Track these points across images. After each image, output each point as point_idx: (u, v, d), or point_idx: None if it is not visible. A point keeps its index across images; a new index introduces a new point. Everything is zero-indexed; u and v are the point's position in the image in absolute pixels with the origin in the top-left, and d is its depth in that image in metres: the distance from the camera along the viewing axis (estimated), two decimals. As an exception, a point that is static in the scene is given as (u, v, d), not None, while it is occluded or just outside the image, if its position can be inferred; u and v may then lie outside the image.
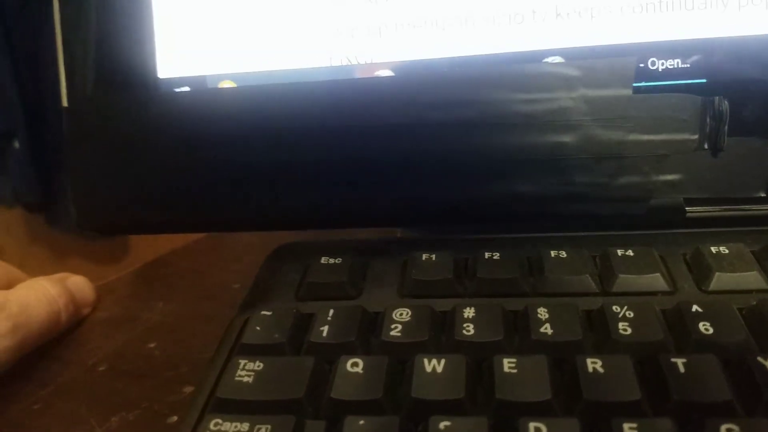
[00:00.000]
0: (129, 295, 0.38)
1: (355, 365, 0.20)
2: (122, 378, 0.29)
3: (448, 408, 0.18)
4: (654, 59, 0.24)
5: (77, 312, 0.33)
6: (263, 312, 0.23)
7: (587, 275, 0.23)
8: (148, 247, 0.43)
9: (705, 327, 0.20)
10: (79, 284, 0.34)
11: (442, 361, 0.19)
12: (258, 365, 0.20)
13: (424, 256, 0.25)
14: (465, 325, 0.21)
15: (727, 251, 0.23)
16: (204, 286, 0.38)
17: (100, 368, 0.30)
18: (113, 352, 0.32)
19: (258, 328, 0.22)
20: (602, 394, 0.18)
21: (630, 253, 0.24)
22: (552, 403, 0.18)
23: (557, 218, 0.25)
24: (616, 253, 0.24)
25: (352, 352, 0.21)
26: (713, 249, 0.23)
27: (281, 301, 0.24)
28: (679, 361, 0.19)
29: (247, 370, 0.20)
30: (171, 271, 0.41)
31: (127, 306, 0.37)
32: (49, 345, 0.33)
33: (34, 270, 0.37)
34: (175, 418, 0.26)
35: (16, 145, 0.38)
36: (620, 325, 0.20)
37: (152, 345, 0.32)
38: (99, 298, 0.35)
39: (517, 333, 0.21)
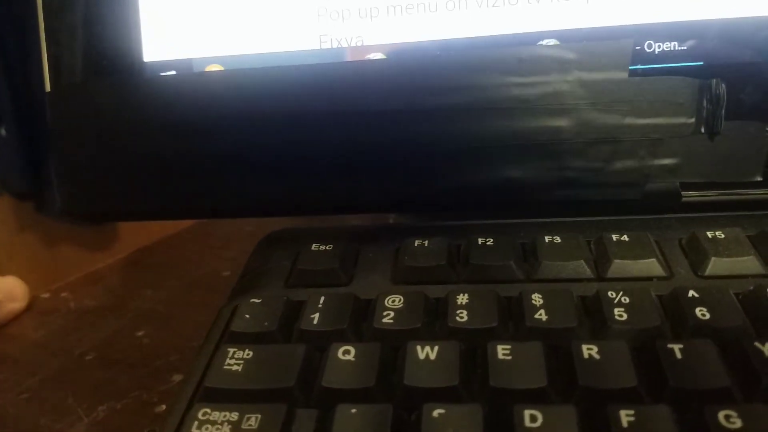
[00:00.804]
0: (118, 283, 0.38)
1: (346, 353, 0.19)
2: (111, 367, 0.29)
3: (441, 395, 0.18)
4: (650, 42, 0.24)
5: (2, 308, 0.33)
6: (253, 300, 0.22)
7: (582, 261, 0.22)
8: (138, 234, 0.43)
9: (702, 312, 0.20)
10: (3, 282, 0.34)
11: (436, 348, 0.19)
12: (247, 353, 0.20)
13: (417, 243, 0.24)
14: (458, 311, 0.20)
15: (723, 236, 0.23)
16: (194, 274, 0.38)
17: (88, 357, 0.30)
18: (102, 341, 0.31)
19: (247, 315, 0.22)
20: (598, 380, 0.18)
21: (625, 238, 0.23)
22: (547, 390, 0.18)
23: (552, 203, 0.24)
24: (611, 238, 0.23)
25: (344, 340, 0.20)
26: (709, 234, 0.23)
27: (271, 288, 0.24)
28: (676, 347, 0.18)
29: (236, 359, 0.20)
30: (160, 258, 0.41)
31: (116, 294, 0.36)
32: (37, 333, 0.33)
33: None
34: (164, 407, 0.26)
35: (3, 132, 0.37)
36: (616, 311, 0.20)
37: (141, 333, 0.32)
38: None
39: (512, 319, 0.21)
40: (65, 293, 0.37)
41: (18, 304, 0.34)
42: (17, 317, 0.34)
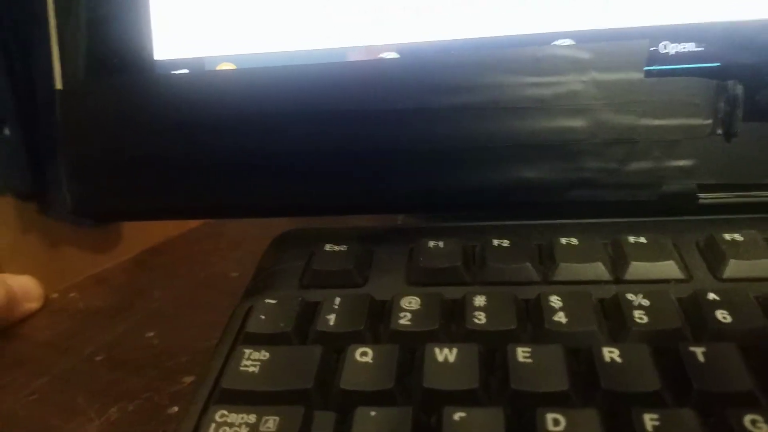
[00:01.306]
0: (125, 284, 0.38)
1: (364, 354, 0.19)
2: (121, 368, 0.29)
3: (461, 398, 0.18)
4: (666, 42, 0.23)
5: (19, 307, 0.33)
6: (267, 300, 0.22)
7: (599, 263, 0.22)
8: (143, 235, 0.42)
9: (723, 315, 0.19)
10: (21, 281, 0.34)
11: (454, 350, 0.19)
12: (264, 355, 0.20)
13: (431, 244, 0.24)
14: (476, 313, 0.20)
15: (741, 238, 0.23)
16: (202, 275, 0.38)
17: (98, 358, 0.30)
18: (111, 342, 0.31)
19: (262, 316, 0.22)
20: (621, 384, 0.17)
21: (642, 240, 0.23)
22: (569, 393, 0.17)
23: (567, 204, 0.24)
24: (628, 240, 0.23)
25: (361, 341, 0.20)
26: (727, 236, 0.23)
27: (285, 289, 0.24)
28: (698, 350, 0.18)
29: (252, 360, 0.19)
30: (168, 259, 0.41)
31: (124, 295, 0.36)
32: (46, 334, 0.33)
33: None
34: (176, 408, 0.26)
35: (7, 132, 0.37)
36: (636, 313, 0.20)
37: (151, 334, 0.31)
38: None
39: (530, 322, 0.20)
40: (74, 293, 0.37)
41: (34, 304, 0.34)
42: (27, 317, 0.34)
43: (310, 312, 0.22)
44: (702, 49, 0.23)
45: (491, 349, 0.19)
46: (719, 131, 0.23)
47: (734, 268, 0.22)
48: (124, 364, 0.29)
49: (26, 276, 0.35)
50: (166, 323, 0.32)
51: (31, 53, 0.35)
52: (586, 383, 0.18)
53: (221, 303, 0.34)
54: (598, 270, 0.22)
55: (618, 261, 0.23)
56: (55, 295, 0.36)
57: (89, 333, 0.32)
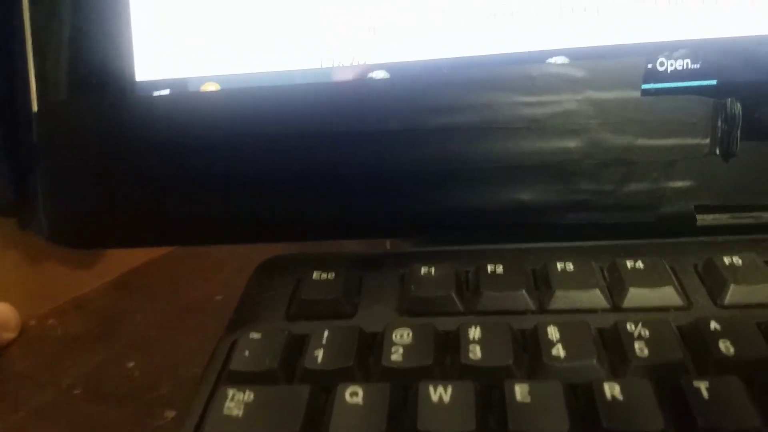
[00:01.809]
0: (106, 308, 0.37)
1: (354, 395, 0.18)
2: (100, 401, 0.28)
3: (458, 442, 0.17)
4: (663, 59, 0.23)
5: None
6: (252, 334, 0.21)
7: (597, 290, 0.22)
8: (126, 255, 0.41)
9: (725, 346, 0.19)
10: (1, 309, 0.33)
11: (449, 389, 0.18)
12: (248, 396, 0.19)
13: (423, 270, 0.23)
14: (471, 347, 0.19)
15: (740, 262, 0.22)
16: (185, 298, 0.37)
17: (76, 391, 0.29)
18: (90, 372, 0.30)
19: (246, 352, 0.20)
20: (623, 422, 0.17)
21: (640, 264, 0.22)
22: (570, 434, 0.17)
23: (562, 227, 0.23)
24: (626, 264, 0.22)
25: (351, 379, 0.19)
26: (726, 260, 0.22)
27: (271, 320, 0.23)
28: (702, 385, 0.17)
29: (236, 401, 0.18)
30: (150, 281, 0.40)
31: (105, 320, 0.35)
32: (22, 364, 0.31)
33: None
34: (158, 446, 0.24)
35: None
36: (636, 345, 0.19)
37: (131, 364, 0.30)
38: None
39: (527, 354, 0.20)
40: (52, 320, 0.35)
41: (11, 334, 0.33)
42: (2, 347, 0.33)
43: (297, 346, 0.21)
44: (698, 66, 0.23)
45: (488, 386, 0.18)
46: (717, 151, 0.23)
47: (735, 294, 0.21)
48: (104, 397, 0.28)
49: (3, 303, 0.33)
50: (147, 351, 0.31)
51: (12, 64, 0.34)
52: (586, 422, 0.17)
53: (205, 328, 0.33)
54: (596, 297, 0.21)
55: (615, 287, 0.22)
56: (32, 322, 0.35)
57: (67, 363, 0.31)
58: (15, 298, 0.34)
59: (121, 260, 0.41)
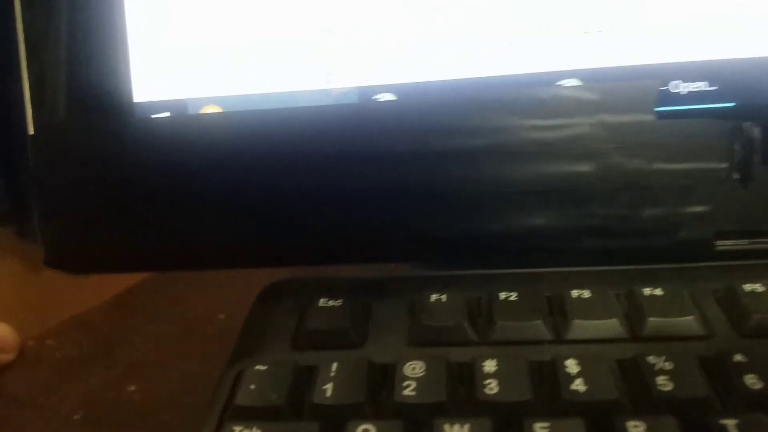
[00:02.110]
0: (105, 328, 0.36)
1: (366, 433, 0.17)
2: (99, 428, 0.27)
3: (477, 485, 0.16)
4: (678, 82, 0.22)
5: None
6: (257, 367, 0.20)
7: (615, 319, 0.21)
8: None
9: (752, 381, 0.18)
10: None
11: (466, 427, 0.17)
12: (255, 434, 0.18)
13: (433, 297, 0.22)
14: (487, 381, 0.19)
15: (762, 289, 0.21)
16: (187, 317, 0.36)
17: (76, 416, 0.28)
18: (89, 397, 0.29)
19: (252, 386, 0.20)
20: (649, 464, 0.16)
21: (658, 292, 0.22)
22: (594, 477, 0.16)
23: (576, 253, 0.23)
24: (643, 292, 0.22)
25: (361, 415, 0.18)
26: (747, 287, 0.21)
27: (276, 350, 0.22)
28: (730, 423, 0.17)
29: (243, 441, 0.18)
30: (150, 300, 0.39)
31: (104, 341, 0.34)
32: (19, 388, 0.30)
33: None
34: (158, 478, 0.24)
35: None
36: (659, 379, 0.18)
37: (132, 388, 0.29)
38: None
39: (545, 389, 0.19)
40: (50, 340, 0.34)
41: (9, 356, 0.32)
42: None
43: (305, 379, 0.20)
44: (716, 88, 0.22)
45: (506, 424, 0.18)
46: (735, 175, 0.22)
47: (759, 323, 0.20)
48: (104, 423, 0.27)
49: (2, 324, 0.33)
50: (148, 374, 0.30)
51: (6, 71, 0.33)
52: (610, 463, 0.17)
53: (207, 351, 0.32)
54: (614, 327, 0.21)
55: (634, 316, 0.21)
56: (31, 343, 0.34)
57: (66, 387, 0.30)
58: (13, 317, 0.33)
59: (120, 278, 0.40)
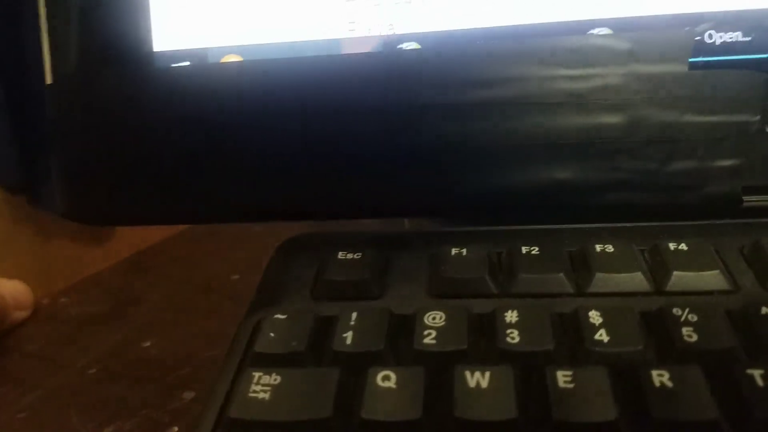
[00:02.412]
0: (120, 288, 0.36)
1: (386, 379, 0.17)
2: (116, 382, 0.27)
3: (499, 430, 0.16)
4: (712, 32, 0.22)
5: (9, 316, 0.31)
6: (277, 315, 0.20)
7: (639, 272, 0.20)
8: (140, 233, 0.40)
9: (780, 332, 0.18)
10: (12, 287, 0.32)
11: (487, 374, 0.17)
12: (275, 378, 0.18)
13: (454, 251, 0.22)
14: (508, 331, 0.18)
15: (790, 244, 0.21)
16: (201, 277, 0.36)
17: (91, 371, 0.28)
18: (105, 353, 0.29)
19: (272, 334, 0.20)
20: (674, 411, 0.16)
21: (683, 247, 0.21)
22: (618, 423, 0.16)
23: (602, 208, 0.22)
24: (668, 247, 0.21)
25: (382, 363, 0.18)
26: (775, 242, 0.21)
27: (296, 301, 0.22)
28: (757, 373, 0.16)
29: (262, 385, 0.18)
30: (165, 260, 0.39)
31: (119, 299, 0.34)
32: (35, 344, 0.31)
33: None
34: (176, 428, 0.24)
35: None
36: (684, 330, 0.18)
37: (147, 344, 0.29)
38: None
39: (568, 340, 0.19)
40: (65, 299, 0.35)
41: (24, 313, 0.32)
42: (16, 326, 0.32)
43: (324, 328, 0.20)
44: (750, 39, 0.21)
45: (527, 372, 0.17)
46: (767, 128, 0.21)
47: (786, 277, 0.20)
48: (120, 377, 0.27)
49: (16, 281, 0.33)
50: (163, 331, 0.31)
51: (21, 41, 0.33)
52: (634, 410, 0.16)
53: (222, 309, 0.33)
54: (638, 280, 0.20)
55: (658, 270, 0.21)
56: (45, 301, 0.34)
57: (82, 343, 0.30)
58: (28, 276, 0.33)
59: (134, 239, 0.40)
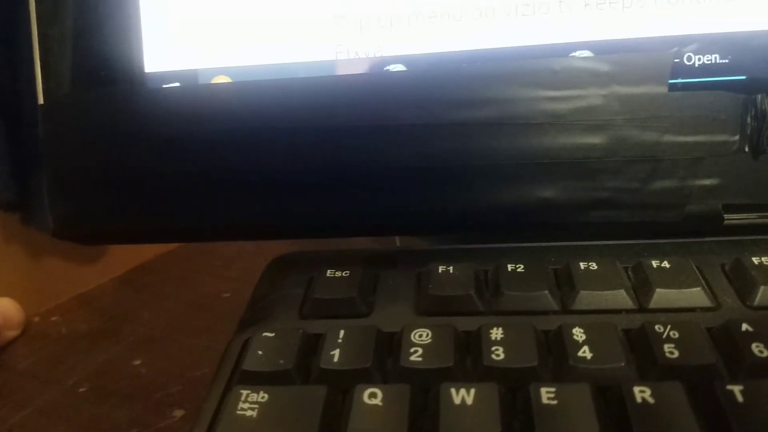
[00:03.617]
0: (111, 306, 0.36)
1: (373, 396, 0.17)
2: (106, 400, 0.27)
3: (482, 447, 0.16)
4: (690, 54, 0.22)
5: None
6: (265, 333, 0.20)
7: (622, 290, 0.21)
8: (132, 251, 0.41)
9: (759, 349, 0.18)
10: (2, 305, 0.32)
11: (472, 391, 0.17)
12: (262, 396, 0.18)
13: (441, 269, 0.23)
14: (494, 348, 0.19)
15: (770, 262, 0.21)
16: (193, 295, 0.36)
17: (81, 389, 0.28)
18: (95, 370, 0.29)
19: (260, 351, 0.20)
20: (655, 427, 0.16)
21: (666, 264, 0.22)
22: (600, 440, 0.16)
23: (585, 226, 0.23)
24: (651, 264, 0.22)
25: (368, 380, 0.18)
26: (755, 260, 0.21)
27: (284, 319, 0.22)
28: (736, 389, 0.17)
29: (250, 402, 0.18)
30: (157, 278, 0.39)
31: (110, 318, 0.34)
32: (25, 362, 0.31)
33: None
34: (166, 447, 0.24)
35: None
36: (666, 347, 0.18)
37: (138, 362, 0.29)
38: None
39: (552, 357, 0.19)
40: (56, 317, 0.35)
41: (15, 332, 0.32)
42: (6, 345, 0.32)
43: (312, 346, 0.20)
44: (728, 61, 0.22)
45: (512, 388, 0.18)
46: (746, 148, 0.22)
47: (765, 295, 0.20)
48: (110, 395, 0.27)
49: (7, 299, 0.33)
50: (154, 349, 0.31)
51: (16, 58, 0.33)
52: (617, 427, 0.16)
53: (213, 327, 0.33)
54: (621, 298, 0.21)
55: (641, 288, 0.21)
56: (36, 319, 0.34)
57: (72, 361, 0.30)
58: (19, 294, 0.33)
59: (126, 257, 0.40)
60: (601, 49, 0.22)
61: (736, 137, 0.22)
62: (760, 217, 0.23)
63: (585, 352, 0.18)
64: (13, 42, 0.33)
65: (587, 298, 0.21)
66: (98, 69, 0.25)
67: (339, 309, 0.22)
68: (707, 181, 0.22)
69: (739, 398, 0.16)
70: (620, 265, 0.22)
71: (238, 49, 0.25)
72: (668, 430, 0.16)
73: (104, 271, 0.39)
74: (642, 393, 0.17)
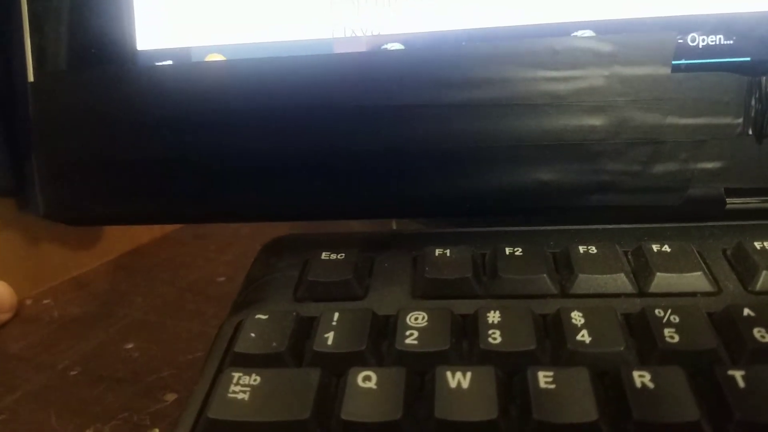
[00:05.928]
0: (104, 289, 0.36)
1: (367, 379, 0.17)
2: (97, 384, 0.27)
3: (479, 430, 0.16)
4: (694, 35, 0.22)
5: None
6: (258, 315, 0.20)
7: (622, 274, 0.20)
8: (126, 235, 0.40)
9: (761, 334, 0.18)
10: None
11: (468, 375, 0.17)
12: (254, 379, 0.18)
13: (438, 252, 0.22)
14: (491, 331, 0.18)
15: (773, 247, 0.21)
16: (186, 279, 0.36)
17: (73, 372, 0.28)
18: (87, 354, 0.29)
19: (253, 334, 0.19)
20: (655, 413, 0.16)
21: (666, 248, 0.21)
22: (599, 424, 0.16)
23: (586, 209, 0.22)
24: (652, 248, 0.21)
25: (363, 363, 0.18)
26: (757, 244, 0.21)
27: (278, 302, 0.21)
28: (738, 374, 0.16)
29: (241, 385, 0.17)
30: (150, 262, 0.39)
31: (103, 301, 0.34)
32: (16, 345, 0.30)
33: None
34: (157, 430, 0.23)
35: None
36: (666, 331, 0.18)
37: (130, 346, 0.29)
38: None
39: (550, 341, 0.19)
40: (48, 300, 0.34)
41: (6, 315, 0.32)
42: (-4, 327, 0.31)
43: (306, 329, 0.20)
44: (732, 42, 0.21)
45: (509, 372, 0.17)
46: (750, 131, 0.22)
47: (767, 280, 0.20)
48: (102, 379, 0.27)
49: (0, 282, 0.32)
50: (147, 333, 0.30)
51: (8, 43, 0.33)
52: (615, 412, 0.16)
53: (207, 311, 0.32)
54: (621, 282, 0.20)
55: (641, 272, 0.21)
56: (28, 302, 0.34)
57: (64, 345, 0.30)
58: (11, 278, 0.33)
59: (120, 240, 0.40)
60: (603, 29, 0.22)
61: (740, 120, 0.21)
62: (763, 202, 0.22)
63: (584, 336, 0.18)
64: (5, 23, 0.32)
65: (586, 281, 0.20)
66: (89, 46, 0.25)
67: (334, 291, 0.21)
68: (709, 165, 0.22)
69: (741, 383, 0.16)
70: (620, 249, 0.22)
71: (233, 26, 0.24)
72: (669, 415, 0.16)
73: (98, 254, 0.39)
74: (642, 377, 0.16)
